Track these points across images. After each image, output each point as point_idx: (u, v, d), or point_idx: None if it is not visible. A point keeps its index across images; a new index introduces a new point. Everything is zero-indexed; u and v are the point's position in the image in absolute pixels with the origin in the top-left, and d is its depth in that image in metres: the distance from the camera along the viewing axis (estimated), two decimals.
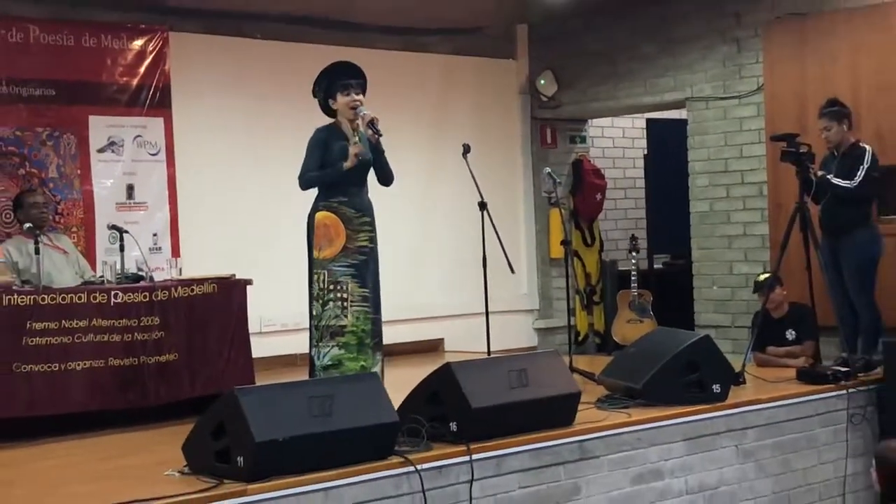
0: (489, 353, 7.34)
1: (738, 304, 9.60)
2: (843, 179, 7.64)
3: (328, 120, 6.67)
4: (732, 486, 6.67)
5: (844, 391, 7.30)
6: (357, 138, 6.55)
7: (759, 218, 9.50)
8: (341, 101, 6.57)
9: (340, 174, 6.49)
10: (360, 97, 6.57)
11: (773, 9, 9.33)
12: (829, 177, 7.68)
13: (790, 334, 8.17)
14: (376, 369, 6.44)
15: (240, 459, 4.89)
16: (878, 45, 8.67)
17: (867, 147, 7.76)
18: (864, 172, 7.62)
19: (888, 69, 8.61)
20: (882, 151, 7.94)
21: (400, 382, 6.20)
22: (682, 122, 10.27)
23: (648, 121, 11.94)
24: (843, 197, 7.66)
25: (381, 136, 6.54)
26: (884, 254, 7.74)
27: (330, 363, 6.47)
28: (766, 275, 8.25)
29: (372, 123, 6.51)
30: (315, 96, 6.70)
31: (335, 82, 6.60)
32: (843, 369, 7.43)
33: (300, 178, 6.60)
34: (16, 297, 6.40)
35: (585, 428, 6.04)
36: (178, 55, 9.07)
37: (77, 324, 6.55)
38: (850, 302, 7.80)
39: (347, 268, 6.49)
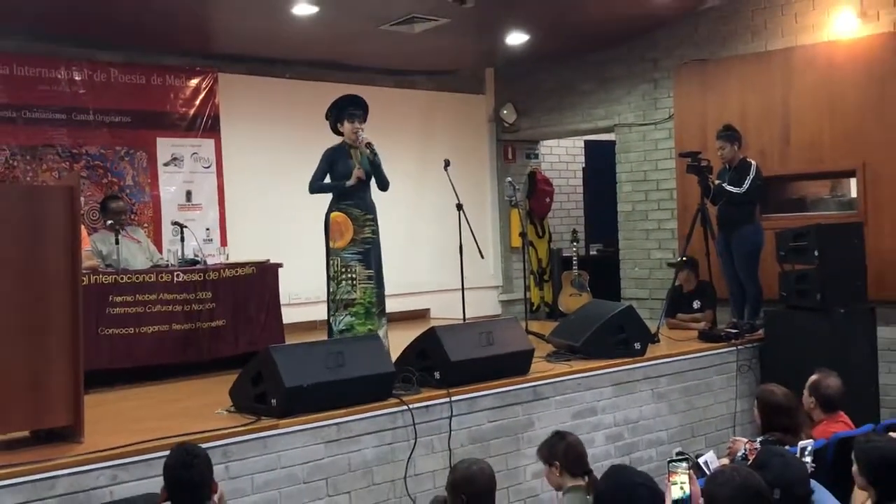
0: (464, 319, 7.34)
1: (654, 281, 9.63)
2: (735, 187, 7.65)
3: (337, 139, 6.68)
4: (649, 420, 6.72)
5: (734, 348, 7.38)
6: (358, 164, 6.54)
7: (670, 216, 9.51)
8: (347, 126, 6.56)
9: (343, 189, 6.51)
10: (362, 126, 6.57)
11: (681, 56, 9.34)
12: (723, 185, 7.71)
13: (696, 304, 8.22)
14: (381, 332, 6.44)
15: (273, 401, 4.92)
16: (761, 84, 8.68)
17: (753, 162, 7.77)
18: (750, 181, 7.63)
19: (769, 102, 8.62)
20: (764, 165, 7.96)
21: (396, 342, 6.23)
22: (612, 143, 10.26)
23: (586, 142, 11.93)
24: (734, 200, 7.68)
25: (375, 154, 6.54)
26: (765, 243, 7.77)
27: (344, 328, 6.48)
28: (685, 259, 8.26)
29: (369, 145, 6.53)
30: (327, 119, 6.70)
31: (344, 111, 6.59)
32: (734, 331, 7.50)
33: (309, 184, 6.62)
34: (100, 276, 6.41)
35: (538, 376, 6.09)
36: (225, 91, 9.05)
37: (148, 297, 6.55)
38: (739, 280, 7.81)
39: (355, 254, 6.50)
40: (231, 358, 6.72)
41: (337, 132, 6.66)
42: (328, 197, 6.62)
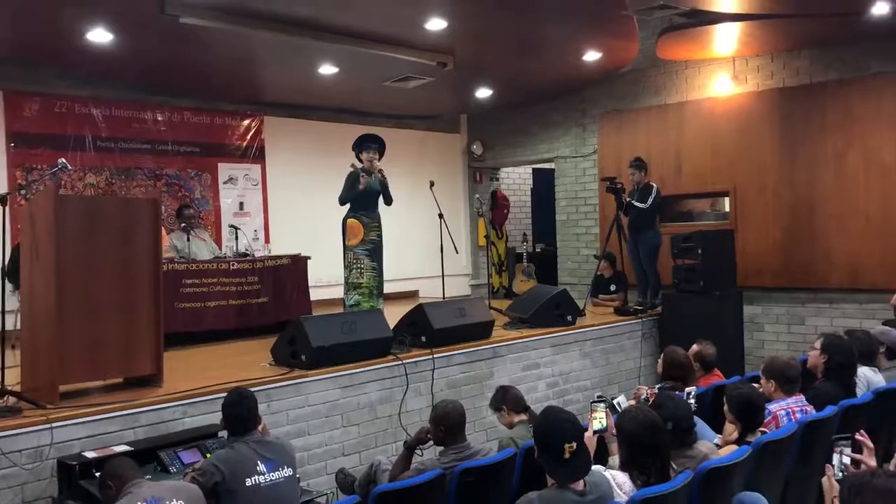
0: (444, 298, 7.35)
1: (582, 272, 9.66)
2: (641, 203, 7.70)
3: (357, 164, 6.68)
4: (578, 372, 6.76)
5: (640, 320, 7.43)
6: (372, 178, 6.56)
7: (594, 224, 9.55)
8: (365, 156, 6.61)
9: (357, 193, 6.47)
10: (376, 156, 6.62)
11: (604, 107, 9.37)
12: (633, 201, 7.75)
13: (613, 287, 8.27)
14: (380, 307, 6.45)
15: (303, 357, 4.93)
16: (661, 128, 8.74)
17: (654, 185, 7.81)
18: (652, 199, 7.68)
19: (666, 141, 8.67)
20: (662, 187, 8.00)
21: (392, 314, 6.23)
22: (552, 170, 10.28)
23: (534, 169, 11.97)
24: (640, 212, 7.73)
25: (385, 179, 6.58)
26: (662, 244, 7.82)
27: (354, 304, 6.51)
28: (605, 254, 8.31)
29: (380, 171, 6.55)
30: (353, 150, 6.73)
31: (363, 144, 6.66)
32: (640, 308, 7.56)
33: (339, 199, 6.60)
34: (176, 265, 6.38)
35: (497, 340, 6.12)
36: (270, 129, 9.01)
37: (211, 280, 6.53)
38: (643, 271, 7.87)
39: (364, 250, 6.52)
40: (272, 325, 6.69)
41: (359, 159, 6.69)
42: (347, 207, 6.62)
